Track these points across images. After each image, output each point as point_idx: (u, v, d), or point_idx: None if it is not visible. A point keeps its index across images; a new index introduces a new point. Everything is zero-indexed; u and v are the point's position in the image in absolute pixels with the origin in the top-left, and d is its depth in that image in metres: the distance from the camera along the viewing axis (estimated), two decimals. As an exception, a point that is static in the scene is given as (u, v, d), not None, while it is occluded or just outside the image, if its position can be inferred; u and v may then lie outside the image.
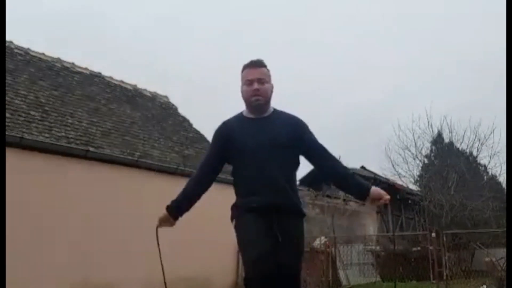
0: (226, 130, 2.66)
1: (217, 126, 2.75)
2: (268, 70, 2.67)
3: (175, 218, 2.70)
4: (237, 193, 2.62)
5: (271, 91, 2.66)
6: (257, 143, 2.52)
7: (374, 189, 2.52)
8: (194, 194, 2.70)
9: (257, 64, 2.65)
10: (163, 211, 2.70)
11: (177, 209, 2.69)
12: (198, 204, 2.78)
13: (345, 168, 2.66)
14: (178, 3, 38.43)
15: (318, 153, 2.63)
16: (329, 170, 2.63)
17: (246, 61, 2.69)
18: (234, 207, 2.59)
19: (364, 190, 2.53)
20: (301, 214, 2.59)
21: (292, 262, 2.45)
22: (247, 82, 2.61)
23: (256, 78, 2.59)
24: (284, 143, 2.53)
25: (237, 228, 2.52)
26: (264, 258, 2.30)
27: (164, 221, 2.71)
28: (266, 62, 2.71)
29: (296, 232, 2.52)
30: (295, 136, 2.57)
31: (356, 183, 2.57)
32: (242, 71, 2.67)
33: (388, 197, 2.50)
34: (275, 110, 2.69)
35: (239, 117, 2.70)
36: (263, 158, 2.49)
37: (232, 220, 2.58)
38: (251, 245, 2.38)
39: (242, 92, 2.64)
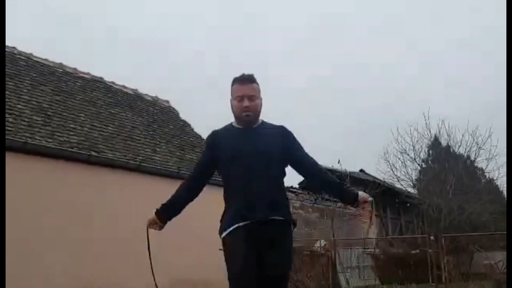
0: (216, 138, 2.72)
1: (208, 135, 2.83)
2: (258, 85, 2.69)
3: (164, 222, 2.76)
4: (225, 200, 2.66)
5: (261, 106, 2.69)
6: (246, 151, 2.57)
7: (361, 193, 2.65)
8: (184, 200, 2.77)
9: (247, 80, 2.65)
10: (152, 214, 2.75)
11: (166, 214, 2.75)
12: (195, 206, 2.82)
13: (333, 177, 2.79)
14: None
15: (306, 165, 2.72)
16: (320, 179, 2.75)
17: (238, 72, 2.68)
18: (222, 219, 2.62)
19: (355, 195, 2.65)
20: (288, 223, 2.61)
21: (280, 261, 2.50)
22: (237, 98, 2.62)
23: (246, 94, 2.61)
24: (271, 153, 2.59)
25: (224, 246, 2.56)
26: (248, 282, 2.40)
27: (152, 224, 2.77)
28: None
29: (282, 239, 2.54)
30: (282, 146, 2.64)
31: (347, 189, 2.75)
32: (232, 84, 2.67)
33: (370, 199, 2.65)
34: (263, 121, 2.74)
35: (229, 127, 2.74)
36: (251, 167, 2.54)
37: (220, 234, 2.60)
38: (238, 274, 2.44)
39: (232, 106, 2.67)
